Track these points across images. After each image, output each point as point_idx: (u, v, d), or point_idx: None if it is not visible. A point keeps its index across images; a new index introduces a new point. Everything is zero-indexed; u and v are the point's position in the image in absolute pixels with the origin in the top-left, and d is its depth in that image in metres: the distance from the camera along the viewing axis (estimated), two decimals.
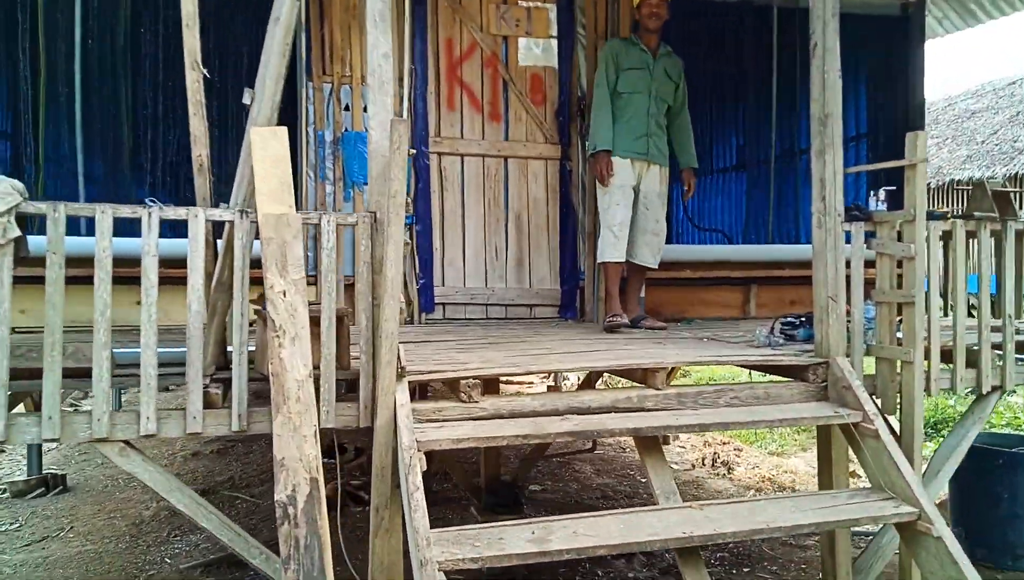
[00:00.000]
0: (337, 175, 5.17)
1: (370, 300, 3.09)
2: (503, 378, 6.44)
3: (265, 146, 2.95)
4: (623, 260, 4.88)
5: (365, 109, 5.07)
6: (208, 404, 2.92)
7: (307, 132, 5.13)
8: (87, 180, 4.75)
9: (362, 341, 3.07)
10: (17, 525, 5.23)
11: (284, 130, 2.99)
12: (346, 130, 5.22)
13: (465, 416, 3.11)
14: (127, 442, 2.85)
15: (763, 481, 6.24)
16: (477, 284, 5.45)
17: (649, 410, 3.30)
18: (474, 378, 3.13)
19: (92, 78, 4.78)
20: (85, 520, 5.38)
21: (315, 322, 2.93)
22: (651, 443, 3.24)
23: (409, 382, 3.10)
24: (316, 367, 3.02)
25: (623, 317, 4.69)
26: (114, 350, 2.84)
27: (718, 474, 6.51)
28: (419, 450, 2.83)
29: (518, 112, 5.55)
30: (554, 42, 5.63)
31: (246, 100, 3.13)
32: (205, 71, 3.06)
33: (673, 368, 3.83)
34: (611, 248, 4.84)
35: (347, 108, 5.23)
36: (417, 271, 5.31)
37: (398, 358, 2.99)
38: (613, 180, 4.82)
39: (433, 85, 5.36)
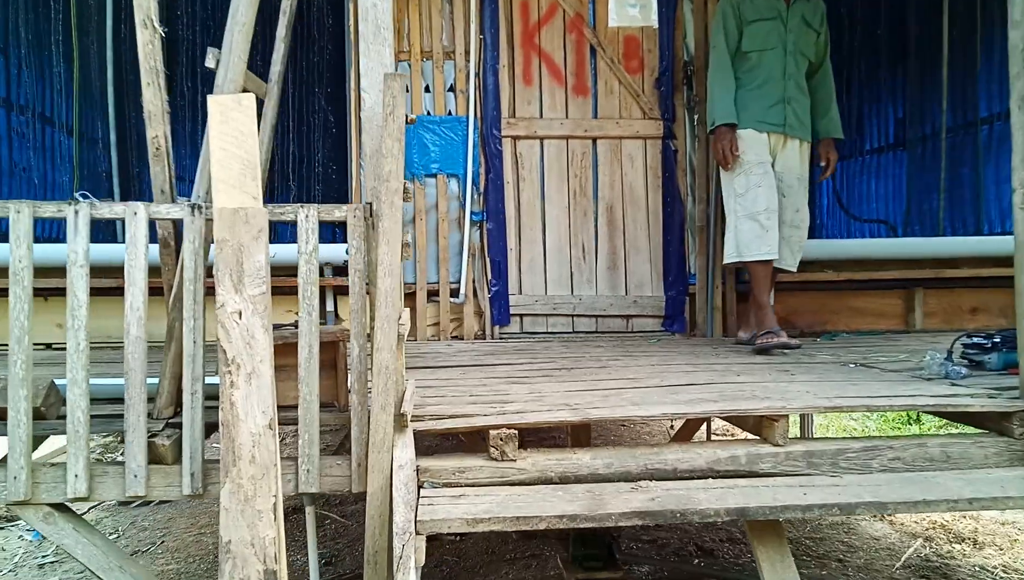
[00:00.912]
0: None
1: (364, 321, 2.29)
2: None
3: (226, 119, 2.22)
4: (775, 256, 3.77)
5: (427, 89, 4.35)
6: (155, 459, 2.24)
7: (357, 117, 4.45)
8: (121, 177, 4.33)
9: (352, 377, 2.28)
10: (116, 536, 4.97)
11: (250, 98, 2.25)
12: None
13: (496, 479, 2.25)
14: (57, 505, 2.22)
15: None
16: (561, 291, 4.56)
17: (763, 475, 2.29)
18: (507, 428, 2.26)
19: (124, 69, 4.35)
20: (177, 535, 5.01)
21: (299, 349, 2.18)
22: (767, 528, 2.22)
23: (420, 432, 2.28)
24: (293, 409, 2.27)
25: (780, 334, 3.59)
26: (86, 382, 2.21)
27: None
28: (419, 533, 2.01)
29: (609, 83, 4.60)
30: None
31: (209, 63, 2.43)
32: (163, 29, 2.39)
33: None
34: (758, 241, 3.72)
35: (406, 89, 4.50)
36: (488, 277, 4.50)
37: (399, 400, 2.18)
38: (746, 156, 3.75)
39: (506, 56, 4.53)
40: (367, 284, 2.32)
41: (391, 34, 2.33)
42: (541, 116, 4.57)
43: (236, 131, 2.21)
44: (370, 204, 2.30)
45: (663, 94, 4.60)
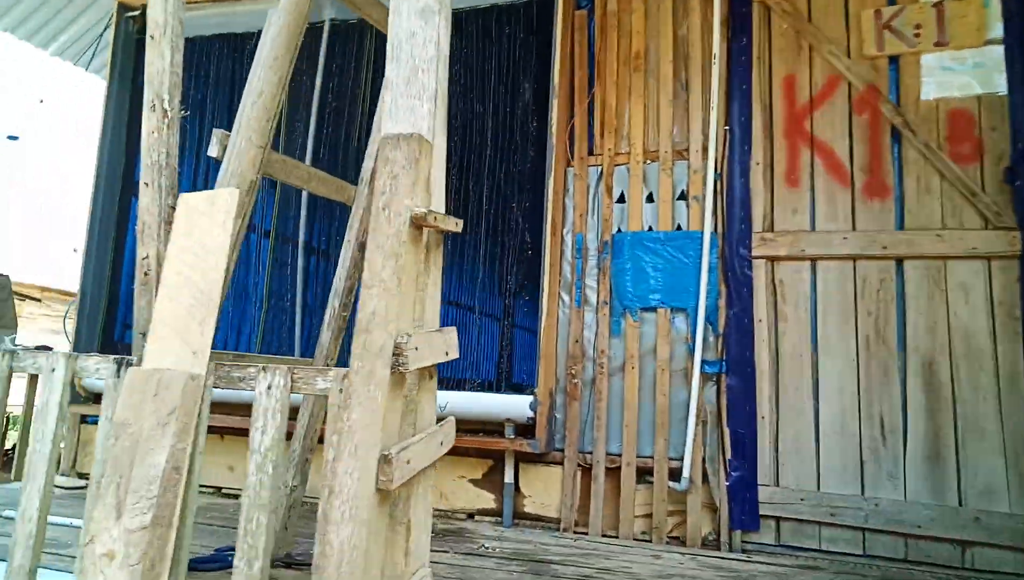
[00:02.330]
0: (603, 297, 3.41)
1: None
2: None
3: (190, 229, 1.42)
4: None
5: (649, 198, 3.32)
6: None
7: (561, 237, 3.53)
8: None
9: None
10: None
11: (229, 195, 1.44)
12: (618, 230, 3.48)
13: None
14: None
15: None
16: (844, 489, 2.97)
17: None
18: None
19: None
20: None
21: None
22: None
23: None
24: None
25: None
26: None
27: None
28: None
29: (924, 179, 3.10)
30: (996, 50, 3.11)
31: (212, 152, 1.68)
32: (183, 112, 1.73)
33: None
34: None
35: (621, 199, 3.50)
36: (727, 456, 3.11)
37: None
38: None
39: (761, 150, 3.32)
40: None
41: (437, 77, 1.36)
42: (813, 228, 3.20)
43: (199, 245, 1.40)
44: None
45: (1018, 191, 2.94)
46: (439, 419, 1.77)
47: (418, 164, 1.48)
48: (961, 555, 2.81)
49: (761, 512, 3.05)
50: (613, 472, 3.26)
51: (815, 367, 3.11)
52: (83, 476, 3.92)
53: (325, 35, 4.06)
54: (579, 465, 3.30)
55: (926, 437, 2.91)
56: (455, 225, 1.64)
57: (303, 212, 3.97)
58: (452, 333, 1.78)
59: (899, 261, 3.07)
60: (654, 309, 3.33)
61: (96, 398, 3.94)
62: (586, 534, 3.22)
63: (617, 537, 3.18)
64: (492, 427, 3.38)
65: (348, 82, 4.02)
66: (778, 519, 3.04)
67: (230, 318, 3.97)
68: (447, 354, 1.71)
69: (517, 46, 3.77)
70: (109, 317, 4.15)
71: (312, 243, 3.97)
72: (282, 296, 3.92)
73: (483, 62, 3.82)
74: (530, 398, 3.25)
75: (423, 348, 1.52)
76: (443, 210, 1.65)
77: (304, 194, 3.98)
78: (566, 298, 3.47)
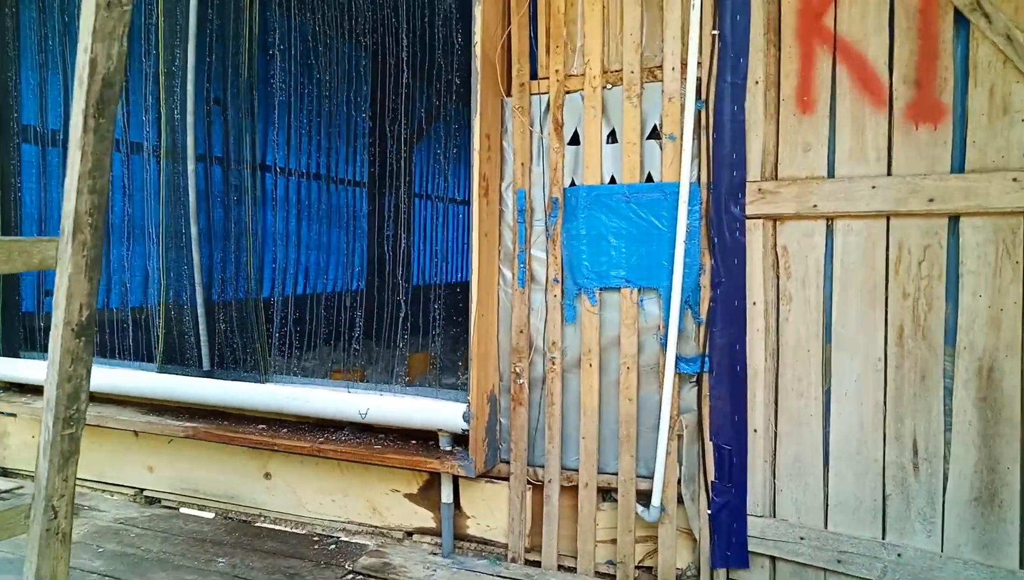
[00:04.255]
0: (553, 273, 2.64)
1: None
2: None
3: None
4: None
5: (611, 137, 2.48)
6: None
7: (500, 194, 2.73)
8: None
9: None
10: None
11: None
12: (571, 184, 2.64)
13: None
14: None
15: None
16: (858, 529, 2.25)
17: None
18: None
19: None
20: None
21: None
22: None
23: None
24: None
25: None
26: None
27: None
28: None
29: (1001, 91, 2.11)
30: None
31: None
32: None
33: None
34: None
35: (575, 140, 2.63)
36: (710, 476, 2.42)
37: None
38: None
39: (762, 61, 2.35)
40: None
41: None
42: (831, 173, 2.29)
43: None
44: None
45: None
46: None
47: None
48: None
49: (751, 548, 2.39)
50: (570, 490, 2.64)
51: (826, 366, 2.31)
52: (5, 472, 3.63)
53: None
54: (529, 482, 2.69)
55: (976, 470, 2.12)
56: None
57: None
58: None
59: (953, 218, 2.15)
60: (617, 289, 2.55)
61: (7, 387, 3.57)
62: (539, 564, 2.66)
63: (575, 571, 2.61)
64: (427, 434, 2.79)
65: None
66: (773, 559, 2.38)
67: None
68: None
69: None
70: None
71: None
72: None
73: None
74: (463, 407, 2.61)
75: None
76: None
77: None
78: (508, 274, 2.72)
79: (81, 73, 1.54)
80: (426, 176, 6.33)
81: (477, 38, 2.58)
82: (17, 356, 3.67)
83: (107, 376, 3.28)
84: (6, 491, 3.42)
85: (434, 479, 2.80)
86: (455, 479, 2.76)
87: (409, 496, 2.86)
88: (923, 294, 2.19)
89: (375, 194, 5.36)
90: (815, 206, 2.29)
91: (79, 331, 1.60)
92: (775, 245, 2.37)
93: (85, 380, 1.64)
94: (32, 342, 3.73)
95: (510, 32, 2.68)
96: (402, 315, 2.97)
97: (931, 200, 2.15)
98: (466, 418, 2.59)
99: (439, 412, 2.67)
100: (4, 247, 1.51)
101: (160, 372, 3.30)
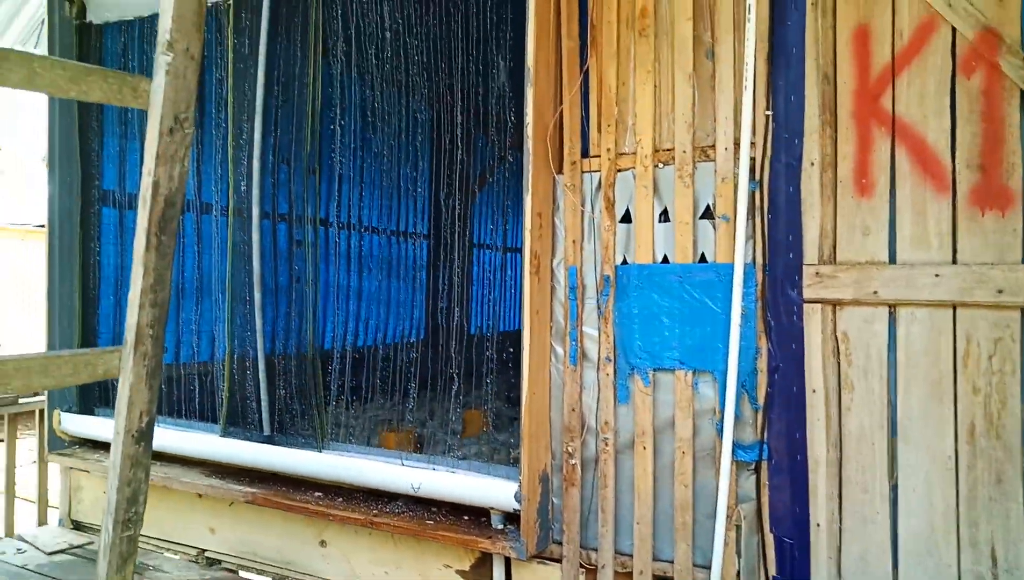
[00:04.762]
0: (605, 351, 2.62)
1: None
2: None
3: None
4: None
5: (663, 216, 2.47)
6: None
7: (551, 270, 2.73)
8: None
9: None
10: None
11: None
12: (623, 261, 2.62)
13: None
14: None
15: None
16: None
17: None
18: None
19: None
20: None
21: None
22: None
23: None
24: None
25: None
26: None
27: None
28: None
29: None
30: None
31: None
32: None
33: None
34: None
35: (626, 218, 2.62)
36: (770, 571, 2.33)
37: None
38: None
39: (817, 142, 2.30)
40: None
41: None
42: (892, 259, 2.20)
43: None
44: None
45: None
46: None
47: None
48: None
49: None
50: (624, 576, 2.58)
51: (892, 461, 2.20)
52: (79, 526, 3.79)
53: None
54: (581, 564, 2.64)
55: None
56: None
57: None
58: None
59: None
60: (671, 370, 2.51)
61: (81, 443, 3.74)
62: None
63: None
64: (479, 509, 2.79)
65: None
66: None
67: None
68: None
69: (488, 8, 2.87)
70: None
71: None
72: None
73: (451, 32, 2.96)
74: (515, 486, 2.60)
75: None
76: None
77: None
78: (559, 351, 2.71)
79: (144, 194, 1.63)
80: (483, 225, 6.40)
81: (529, 119, 2.61)
82: (92, 413, 3.85)
83: (175, 439, 3.41)
84: (77, 546, 3.57)
85: (486, 557, 2.78)
86: (507, 560, 2.74)
87: (461, 573, 2.85)
88: (995, 390, 2.07)
89: (434, 246, 5.46)
90: (875, 293, 2.21)
91: (139, 437, 1.67)
92: (835, 331, 2.29)
93: (144, 483, 1.70)
94: (106, 399, 3.91)
95: (562, 111, 2.70)
96: (455, 388, 2.99)
97: (1000, 291, 2.05)
98: (518, 498, 2.58)
99: (490, 490, 2.66)
100: (71, 361, 1.59)
101: (224, 435, 3.40)
